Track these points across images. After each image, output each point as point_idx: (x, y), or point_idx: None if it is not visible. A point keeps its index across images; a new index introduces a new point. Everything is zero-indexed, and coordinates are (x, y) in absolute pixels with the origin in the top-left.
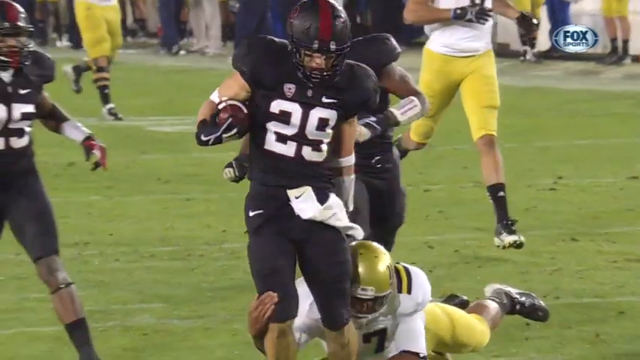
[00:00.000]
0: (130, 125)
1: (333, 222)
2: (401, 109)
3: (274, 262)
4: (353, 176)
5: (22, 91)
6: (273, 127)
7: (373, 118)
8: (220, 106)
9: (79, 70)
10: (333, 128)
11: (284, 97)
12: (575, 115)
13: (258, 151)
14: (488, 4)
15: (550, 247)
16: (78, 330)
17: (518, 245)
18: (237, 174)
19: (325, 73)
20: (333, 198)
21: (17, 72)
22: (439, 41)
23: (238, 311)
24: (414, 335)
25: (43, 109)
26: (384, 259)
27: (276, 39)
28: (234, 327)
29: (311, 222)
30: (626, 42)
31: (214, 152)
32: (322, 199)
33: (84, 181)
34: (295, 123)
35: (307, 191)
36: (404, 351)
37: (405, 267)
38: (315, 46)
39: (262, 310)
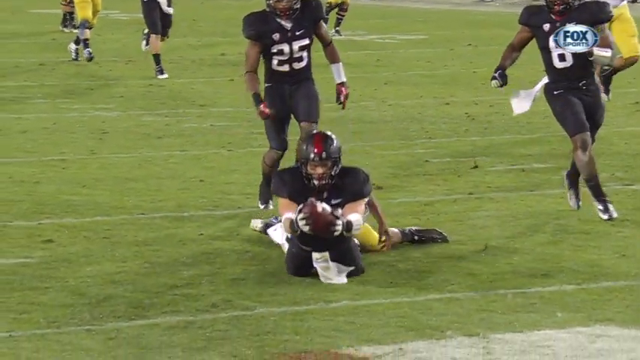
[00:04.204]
0: None
1: (335, 278)
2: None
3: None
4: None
5: (298, 32)
6: None
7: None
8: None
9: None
10: (342, 215)
11: None
12: None
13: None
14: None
15: None
16: None
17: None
18: (502, 82)
19: (324, 181)
20: (336, 265)
21: (294, 19)
22: None
23: None
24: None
25: (322, 41)
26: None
27: (293, 168)
28: None
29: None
30: None
31: None
32: (336, 259)
33: None
34: None
35: (325, 255)
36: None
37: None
38: (312, 156)
39: None
